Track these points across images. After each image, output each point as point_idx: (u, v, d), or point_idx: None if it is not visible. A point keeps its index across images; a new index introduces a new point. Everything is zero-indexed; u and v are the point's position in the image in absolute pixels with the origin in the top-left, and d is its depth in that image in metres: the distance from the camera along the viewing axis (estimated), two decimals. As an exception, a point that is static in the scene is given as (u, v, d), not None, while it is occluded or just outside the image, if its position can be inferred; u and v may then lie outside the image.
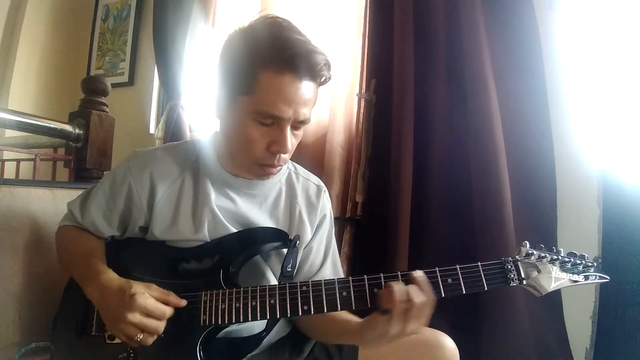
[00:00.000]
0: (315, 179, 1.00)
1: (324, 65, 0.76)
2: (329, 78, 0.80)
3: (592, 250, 1.28)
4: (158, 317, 0.73)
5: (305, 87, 0.75)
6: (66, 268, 0.91)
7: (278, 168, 0.83)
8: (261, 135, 0.77)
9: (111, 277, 0.78)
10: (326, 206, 0.98)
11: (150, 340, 0.74)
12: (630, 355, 1.23)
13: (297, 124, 0.79)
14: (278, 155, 0.79)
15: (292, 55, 0.73)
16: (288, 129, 0.77)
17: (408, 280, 0.70)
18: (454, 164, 1.39)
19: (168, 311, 0.74)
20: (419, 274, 0.70)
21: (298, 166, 1.01)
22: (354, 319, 0.81)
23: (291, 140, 0.79)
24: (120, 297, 0.73)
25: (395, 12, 1.46)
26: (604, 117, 1.30)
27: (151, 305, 0.72)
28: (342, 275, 0.97)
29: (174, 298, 0.76)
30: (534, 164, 1.34)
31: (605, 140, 1.30)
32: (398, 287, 0.67)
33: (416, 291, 0.67)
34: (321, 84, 0.80)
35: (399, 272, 0.71)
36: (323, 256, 0.96)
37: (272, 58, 0.73)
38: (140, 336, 0.72)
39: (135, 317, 0.71)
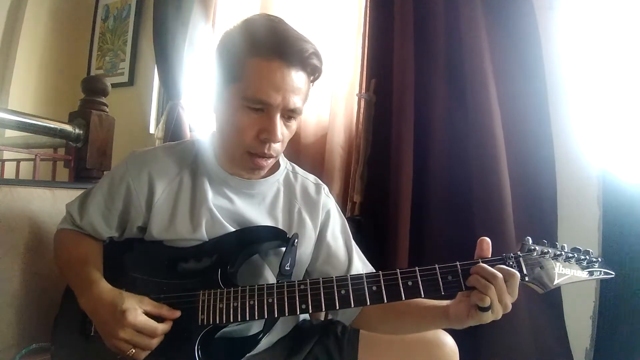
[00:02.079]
0: (313, 177, 1.00)
1: (312, 53, 0.77)
2: (320, 70, 0.81)
3: (592, 249, 1.26)
4: (149, 335, 0.73)
5: (294, 75, 0.77)
6: (62, 274, 0.91)
7: (269, 160, 0.84)
8: (251, 123, 0.78)
9: (103, 288, 0.78)
10: (328, 202, 0.98)
11: (143, 355, 0.74)
12: (630, 355, 1.23)
13: (288, 113, 0.79)
14: (268, 144, 0.80)
15: (279, 41, 0.75)
16: (278, 116, 0.78)
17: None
18: (454, 163, 1.38)
19: (160, 328, 0.74)
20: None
21: (296, 166, 1.01)
22: (430, 303, 0.78)
23: (282, 130, 0.79)
24: (112, 312, 0.73)
25: (395, 12, 1.46)
26: (604, 118, 1.30)
27: (141, 323, 0.72)
28: (371, 267, 0.96)
29: (166, 311, 0.76)
30: (534, 164, 1.33)
31: (605, 140, 1.30)
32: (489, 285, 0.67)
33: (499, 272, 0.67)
34: (313, 78, 0.82)
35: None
36: (346, 249, 0.94)
37: (260, 45, 0.75)
38: (133, 351, 0.73)
39: (127, 333, 0.72)
